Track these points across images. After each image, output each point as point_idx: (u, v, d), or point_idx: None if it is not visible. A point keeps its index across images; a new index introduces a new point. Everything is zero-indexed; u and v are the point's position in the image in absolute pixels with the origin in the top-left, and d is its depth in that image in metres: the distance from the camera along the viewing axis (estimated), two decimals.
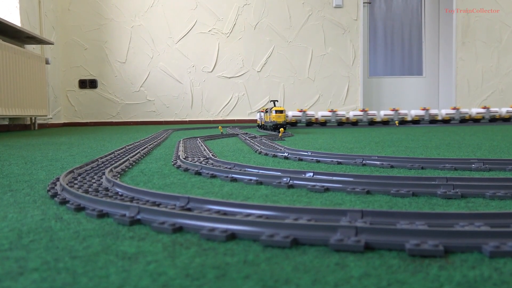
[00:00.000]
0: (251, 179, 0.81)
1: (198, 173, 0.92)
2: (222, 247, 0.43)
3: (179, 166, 1.03)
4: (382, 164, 1.00)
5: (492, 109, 3.52)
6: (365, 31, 4.64)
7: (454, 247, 0.40)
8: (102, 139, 2.16)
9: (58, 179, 0.81)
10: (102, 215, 0.55)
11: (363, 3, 4.50)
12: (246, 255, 0.41)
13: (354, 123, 3.40)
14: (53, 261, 0.40)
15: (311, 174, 0.82)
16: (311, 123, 3.39)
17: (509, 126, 3.08)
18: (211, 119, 4.46)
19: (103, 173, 0.87)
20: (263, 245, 0.43)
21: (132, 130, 3.21)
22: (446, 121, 3.47)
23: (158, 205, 0.59)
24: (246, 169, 0.93)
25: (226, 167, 0.97)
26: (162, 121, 4.44)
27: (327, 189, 0.72)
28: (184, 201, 0.59)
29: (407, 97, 4.74)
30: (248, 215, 0.53)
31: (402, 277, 0.35)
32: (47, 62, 3.66)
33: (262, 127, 2.85)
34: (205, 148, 1.41)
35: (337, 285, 0.34)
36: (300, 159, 1.15)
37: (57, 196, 0.67)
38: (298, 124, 3.39)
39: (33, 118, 3.61)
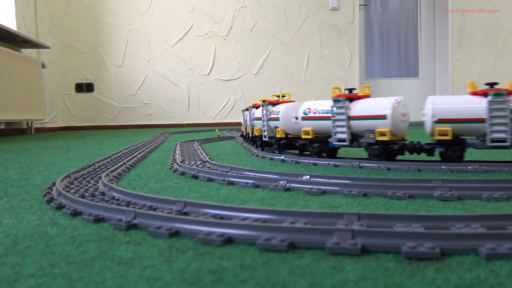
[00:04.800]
0: (248, 182, 0.81)
1: (195, 177, 0.92)
2: (218, 251, 0.43)
3: (175, 170, 1.03)
4: (379, 166, 1.00)
5: None
6: (361, 33, 4.65)
7: (450, 250, 0.40)
8: (99, 143, 2.16)
9: (54, 184, 0.81)
10: (98, 220, 0.55)
11: (359, 5, 4.52)
12: (242, 259, 0.41)
13: None
14: (49, 267, 0.39)
15: (308, 177, 0.82)
16: None
17: None
18: (208, 122, 4.46)
19: (100, 178, 0.87)
20: (260, 249, 0.43)
21: (129, 133, 3.21)
22: None
23: (155, 209, 0.59)
24: (243, 172, 0.93)
25: (223, 171, 0.97)
26: (159, 124, 4.44)
27: (323, 192, 0.72)
28: (181, 205, 0.59)
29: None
30: (245, 219, 0.53)
31: (399, 280, 0.35)
32: (43, 66, 3.65)
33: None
34: (202, 151, 1.41)
35: None
36: (297, 162, 1.15)
37: (53, 201, 0.67)
38: None
39: (30, 122, 3.60)
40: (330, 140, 1.13)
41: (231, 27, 4.42)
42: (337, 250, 0.41)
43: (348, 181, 0.77)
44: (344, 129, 1.08)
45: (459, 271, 0.36)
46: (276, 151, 1.30)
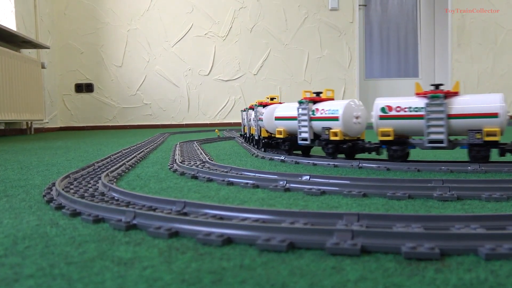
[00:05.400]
0: (247, 183, 0.81)
1: (194, 177, 0.92)
2: (218, 251, 0.43)
3: (175, 170, 1.02)
4: (379, 167, 1.00)
5: None
6: (361, 33, 4.66)
7: (450, 250, 0.40)
8: (99, 143, 2.16)
9: (54, 184, 0.81)
10: (98, 220, 0.55)
11: (359, 5, 4.52)
12: (242, 259, 0.41)
13: None
14: (48, 267, 0.39)
15: (308, 177, 0.82)
16: None
17: None
18: (208, 122, 4.46)
19: (99, 178, 0.87)
20: (259, 249, 0.43)
21: (128, 134, 3.21)
22: None
23: (154, 209, 0.59)
24: (243, 172, 0.93)
25: (222, 171, 0.97)
26: (158, 125, 4.44)
27: (323, 192, 0.72)
28: (180, 206, 0.59)
29: None
30: (244, 219, 0.53)
31: (398, 280, 0.35)
32: (43, 66, 3.65)
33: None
34: (202, 152, 1.41)
35: None
36: (297, 162, 1.15)
37: (53, 202, 0.67)
38: None
39: (29, 122, 3.60)
40: (414, 141, 1.03)
41: (230, 27, 4.42)
42: (337, 250, 0.41)
43: (348, 182, 0.77)
44: (441, 129, 0.97)
45: (458, 272, 0.36)
46: (329, 156, 1.13)
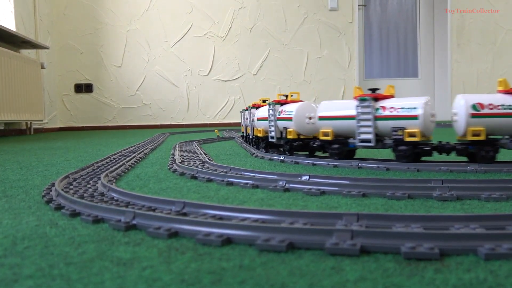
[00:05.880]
0: (247, 183, 0.81)
1: (194, 177, 0.92)
2: (217, 252, 0.43)
3: (175, 170, 1.02)
4: (378, 167, 1.00)
5: None
6: (360, 33, 4.66)
7: (449, 250, 0.40)
8: (98, 143, 2.15)
9: (53, 185, 0.81)
10: (97, 220, 0.55)
11: (358, 5, 4.52)
12: (241, 259, 0.41)
13: None
14: (47, 268, 0.39)
15: (307, 177, 0.82)
16: None
17: None
18: (208, 122, 4.46)
19: (99, 178, 0.87)
20: (259, 250, 0.43)
21: (128, 134, 3.21)
22: None
23: (154, 210, 0.59)
24: (242, 172, 0.93)
25: (222, 171, 0.97)
26: (158, 125, 4.44)
27: (323, 192, 0.72)
28: (180, 206, 0.59)
29: None
30: (244, 219, 0.53)
31: (398, 280, 0.35)
32: (42, 67, 3.65)
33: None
34: (201, 152, 1.41)
35: None
36: (296, 162, 1.15)
37: (52, 202, 0.67)
38: None
39: (29, 122, 3.60)
40: (503, 141, 0.97)
41: (230, 27, 4.42)
42: (336, 250, 0.41)
43: (347, 182, 0.77)
44: None
45: (458, 272, 0.36)
46: (402, 159, 1.01)
